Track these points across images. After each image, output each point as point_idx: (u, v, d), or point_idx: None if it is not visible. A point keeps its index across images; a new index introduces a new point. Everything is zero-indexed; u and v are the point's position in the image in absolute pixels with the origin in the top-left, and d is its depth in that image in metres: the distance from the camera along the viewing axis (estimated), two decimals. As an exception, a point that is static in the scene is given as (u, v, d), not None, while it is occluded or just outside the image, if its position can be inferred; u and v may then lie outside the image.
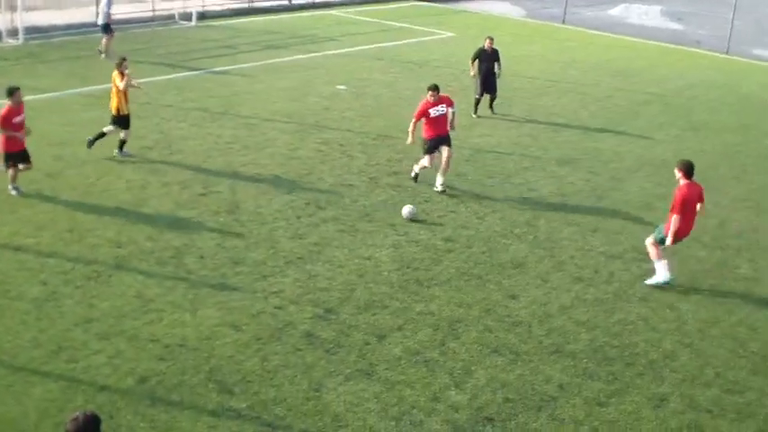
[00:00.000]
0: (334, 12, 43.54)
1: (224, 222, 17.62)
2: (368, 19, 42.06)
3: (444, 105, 20.37)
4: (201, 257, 16.01)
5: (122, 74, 20.23)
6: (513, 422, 12.04)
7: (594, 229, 18.90)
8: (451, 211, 19.08)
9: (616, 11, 51.18)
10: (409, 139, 20.54)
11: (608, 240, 18.28)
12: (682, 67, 37.81)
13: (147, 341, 13.21)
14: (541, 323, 14.70)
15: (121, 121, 20.52)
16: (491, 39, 26.93)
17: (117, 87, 20.25)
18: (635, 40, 43.26)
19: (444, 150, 20.12)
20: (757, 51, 43.52)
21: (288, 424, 11.61)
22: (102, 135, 20.64)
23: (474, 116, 26.60)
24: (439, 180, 20.22)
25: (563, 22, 45.57)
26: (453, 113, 20.93)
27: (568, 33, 43.27)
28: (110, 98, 20.62)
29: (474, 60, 26.83)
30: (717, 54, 41.95)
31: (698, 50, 42.62)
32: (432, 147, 20.22)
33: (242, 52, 32.95)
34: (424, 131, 20.35)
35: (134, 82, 21.01)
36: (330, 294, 15.01)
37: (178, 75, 27.86)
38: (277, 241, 16.93)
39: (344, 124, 24.66)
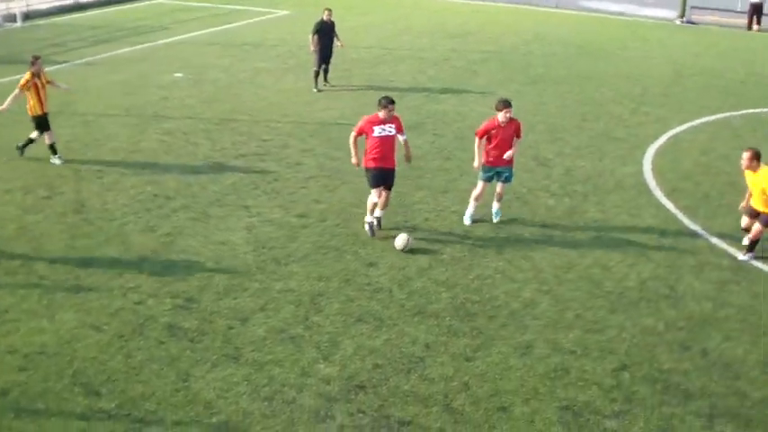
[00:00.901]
0: (162, 0, 42.80)
1: (72, 223, 17.16)
2: (198, 4, 41.52)
3: (394, 127, 16.72)
4: (52, 261, 15.55)
5: (34, 74, 19.70)
6: (384, 387, 12.08)
7: (445, 190, 19.10)
8: (302, 187, 19.01)
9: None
10: (353, 160, 16.93)
11: (459, 200, 18.46)
12: (515, 24, 38.52)
13: (5, 353, 12.77)
14: (402, 287, 14.79)
15: (39, 123, 20.01)
16: (329, 10, 26.97)
17: (30, 87, 19.72)
18: (467, 1, 43.81)
19: (383, 193, 16.68)
20: (584, 3, 44.64)
21: (160, 418, 11.39)
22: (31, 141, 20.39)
23: (315, 90, 26.58)
24: (375, 216, 16.92)
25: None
26: (405, 141, 17.09)
27: (399, 1, 43.52)
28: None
29: (314, 34, 26.67)
30: (548, 9, 42.87)
31: (530, 7, 43.43)
32: (375, 180, 16.63)
33: (72, 49, 32.12)
34: (365, 155, 16.72)
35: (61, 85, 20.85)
36: (188, 283, 14.78)
37: (4, 79, 27.02)
38: (128, 236, 16.59)
39: (185, 112, 24.29)
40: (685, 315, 14.27)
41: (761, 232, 16.04)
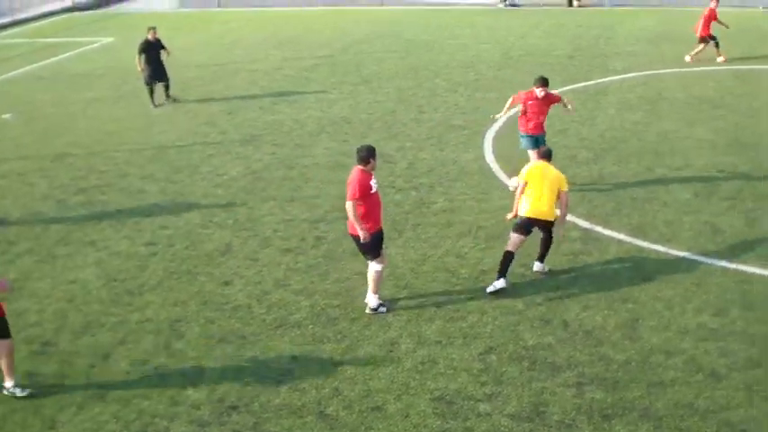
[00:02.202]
0: (-19, 41, 41.57)
1: None
2: (19, 40, 40.40)
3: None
4: None
5: None
6: (256, 404, 11.94)
7: (291, 199, 19.02)
8: (147, 215, 18.64)
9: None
10: (364, 235, 13.63)
11: (307, 207, 18.44)
12: (344, 26, 38.72)
13: None
14: (260, 302, 14.66)
15: None
16: (154, 29, 26.87)
17: None
18: (292, 9, 43.84)
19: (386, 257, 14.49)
20: (408, -3, 45.17)
21: (27, 469, 11.07)
22: None
23: (153, 107, 26.36)
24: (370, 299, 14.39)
25: (218, 5, 45.52)
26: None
27: (227, 15, 43.37)
28: None
29: (141, 54, 26.53)
30: (374, 7, 43.22)
31: (356, 7, 43.70)
32: (378, 244, 14.00)
33: None
34: (366, 220, 13.69)
35: None
36: (43, 327, 14.33)
37: None
38: (-27, 287, 16.00)
39: (19, 152, 23.53)
40: (543, 291, 14.56)
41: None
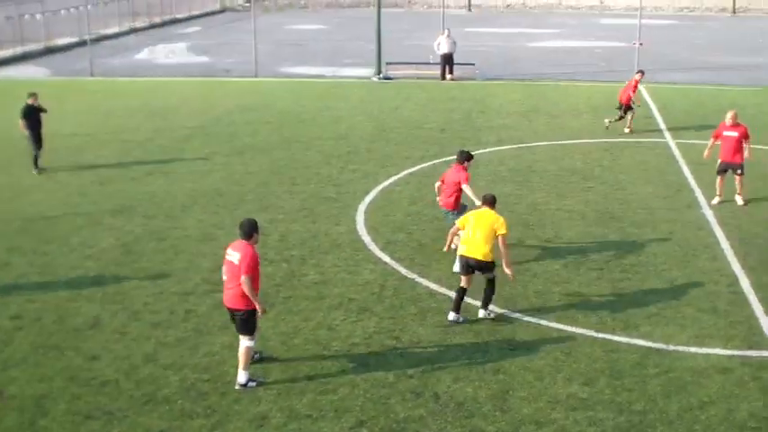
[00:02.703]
0: None
1: None
2: None
3: None
4: None
5: None
6: (121, 484, 11.66)
7: (161, 272, 18.72)
8: (13, 288, 18.13)
9: (142, 55, 51.49)
10: (262, 308, 13.89)
11: (178, 279, 18.19)
12: (217, 97, 38.67)
13: None
14: (128, 376, 14.32)
15: None
16: (35, 95, 26.89)
17: None
18: (167, 79, 43.67)
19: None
20: (283, 69, 45.42)
21: None
22: None
23: (35, 172, 26.26)
24: None
25: (91, 74, 45.04)
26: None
27: (99, 85, 42.89)
28: None
29: (23, 118, 26.48)
30: (247, 78, 43.31)
31: (229, 78, 43.74)
32: (256, 320, 14.12)
33: None
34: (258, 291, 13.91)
35: None
36: None
37: None
38: None
39: None
40: (414, 363, 14.59)
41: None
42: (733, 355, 14.96)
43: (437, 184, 19.38)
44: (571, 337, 15.50)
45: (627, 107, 30.79)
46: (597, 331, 15.71)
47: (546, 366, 14.46)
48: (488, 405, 13.32)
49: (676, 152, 28.34)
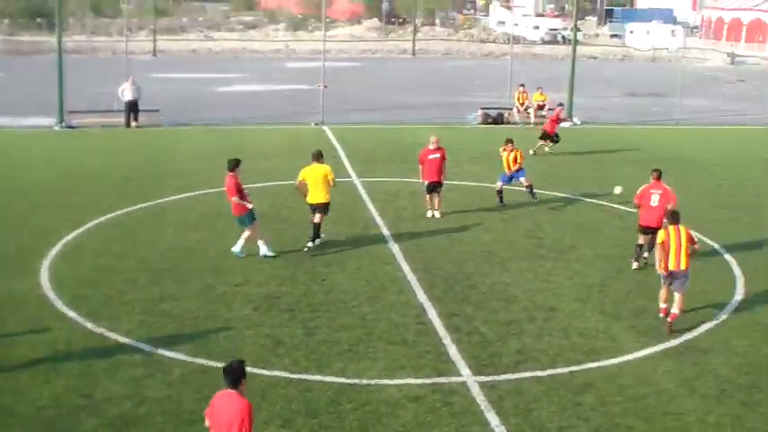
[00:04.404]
0: None
1: None
2: None
3: None
4: None
5: None
6: None
7: None
8: None
9: None
10: None
11: None
12: None
13: None
14: None
15: None
16: None
17: None
18: None
19: None
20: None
21: None
22: None
23: None
24: None
25: None
26: None
27: None
28: None
29: None
30: None
31: None
32: None
33: None
34: None
35: None
36: None
37: None
38: None
39: None
40: (106, 420, 14.07)
41: None
42: (424, 384, 15.47)
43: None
44: (265, 380, 15.46)
45: (552, 136, 36.27)
46: (291, 372, 15.78)
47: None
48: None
49: (362, 190, 29.09)
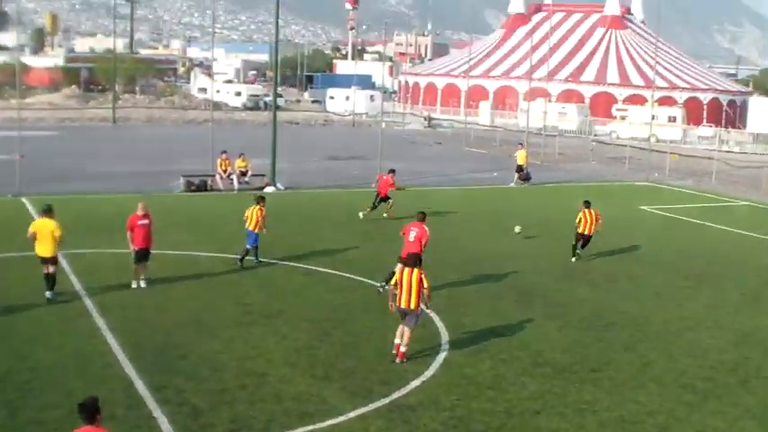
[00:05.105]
0: None
1: None
2: None
3: None
4: None
5: None
6: None
7: None
8: None
9: None
10: None
11: None
12: None
13: None
14: None
15: None
16: None
17: None
18: None
19: None
20: None
21: None
22: None
23: None
24: None
25: None
26: None
27: None
28: None
29: None
30: None
31: None
32: None
33: None
34: None
35: None
36: None
37: None
38: None
39: None
40: None
41: None
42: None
43: None
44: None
45: (384, 198, 38.52)
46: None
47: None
48: None
49: (64, 262, 28.21)
